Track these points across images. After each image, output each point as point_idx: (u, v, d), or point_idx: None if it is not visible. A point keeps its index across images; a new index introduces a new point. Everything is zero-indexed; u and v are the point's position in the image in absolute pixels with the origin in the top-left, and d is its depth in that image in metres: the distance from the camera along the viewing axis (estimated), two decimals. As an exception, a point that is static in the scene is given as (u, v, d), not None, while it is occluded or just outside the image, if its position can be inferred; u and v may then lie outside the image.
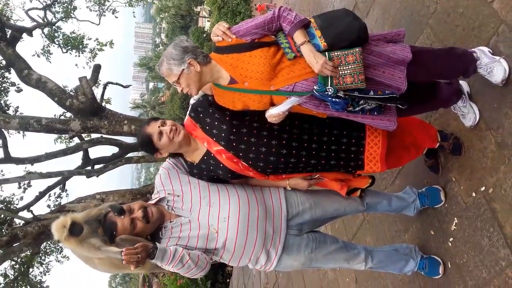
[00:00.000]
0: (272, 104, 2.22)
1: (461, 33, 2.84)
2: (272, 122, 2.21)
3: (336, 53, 2.07)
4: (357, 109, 2.17)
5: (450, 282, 2.72)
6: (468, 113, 2.64)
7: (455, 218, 2.72)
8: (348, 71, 2.06)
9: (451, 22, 2.98)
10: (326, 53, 2.07)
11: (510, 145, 2.36)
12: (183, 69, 2.10)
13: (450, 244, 2.75)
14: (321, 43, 2.08)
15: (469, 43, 2.72)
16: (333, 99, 2.09)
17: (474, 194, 2.59)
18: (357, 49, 2.06)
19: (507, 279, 2.28)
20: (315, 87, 2.09)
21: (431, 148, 2.85)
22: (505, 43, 2.45)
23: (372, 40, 2.22)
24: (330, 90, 2.06)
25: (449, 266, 2.74)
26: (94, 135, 7.74)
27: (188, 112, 2.47)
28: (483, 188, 2.51)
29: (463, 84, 2.69)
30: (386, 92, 2.14)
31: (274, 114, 2.14)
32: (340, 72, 2.06)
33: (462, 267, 2.62)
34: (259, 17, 2.11)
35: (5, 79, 8.76)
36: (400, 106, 2.20)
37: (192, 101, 2.50)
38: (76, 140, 7.77)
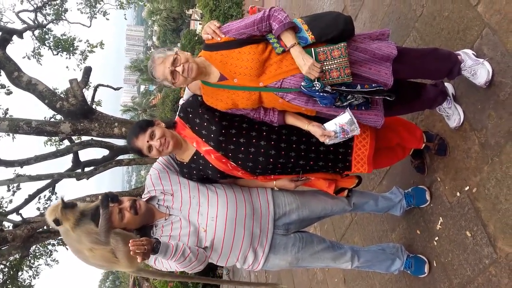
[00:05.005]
0: (261, 102, 2.25)
1: (447, 36, 2.89)
2: (324, 141, 2.26)
3: (321, 49, 2.11)
4: (345, 103, 2.20)
5: (435, 280, 2.76)
6: (452, 115, 2.69)
7: (440, 218, 2.77)
8: (334, 66, 2.10)
9: (436, 25, 3.03)
10: (312, 49, 2.11)
11: (493, 145, 2.41)
12: (176, 51, 2.14)
13: (435, 243, 2.79)
14: (309, 35, 2.12)
15: (454, 46, 2.77)
16: (321, 94, 2.12)
17: (458, 194, 2.63)
18: (342, 44, 2.10)
19: (491, 276, 2.33)
20: (302, 83, 2.12)
21: (417, 149, 2.89)
22: (488, 45, 2.50)
23: (358, 37, 2.27)
24: (317, 85, 2.09)
25: (435, 264, 2.78)
26: (84, 138, 7.71)
27: (177, 113, 2.48)
28: (467, 188, 2.56)
29: (448, 86, 2.74)
30: (373, 85, 2.18)
31: (329, 130, 2.21)
32: (327, 67, 2.10)
33: (447, 266, 2.67)
34: (249, 17, 2.14)
35: (-6, 82, 8.69)
36: (388, 98, 2.24)
37: (181, 102, 2.52)
38: (66, 142, 7.73)
